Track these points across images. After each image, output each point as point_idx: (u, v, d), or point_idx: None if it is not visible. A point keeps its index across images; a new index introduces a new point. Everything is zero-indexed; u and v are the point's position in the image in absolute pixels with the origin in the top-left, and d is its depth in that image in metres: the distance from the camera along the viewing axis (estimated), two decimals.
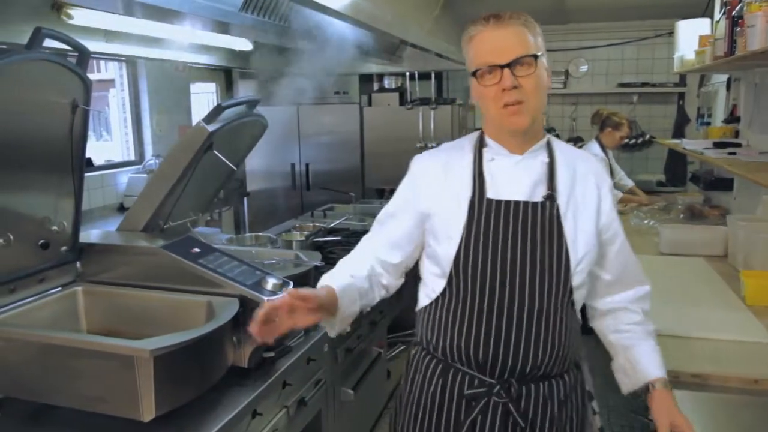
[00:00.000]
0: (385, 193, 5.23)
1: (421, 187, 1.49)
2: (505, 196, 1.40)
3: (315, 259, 2.09)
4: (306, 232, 3.17)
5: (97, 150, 5.18)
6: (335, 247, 3.21)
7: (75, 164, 1.71)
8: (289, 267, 2.11)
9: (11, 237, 1.54)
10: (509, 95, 1.33)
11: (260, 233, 3.05)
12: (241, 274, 1.70)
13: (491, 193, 1.40)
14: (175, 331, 1.63)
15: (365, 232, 3.78)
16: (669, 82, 6.23)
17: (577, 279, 1.39)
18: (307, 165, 5.67)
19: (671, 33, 6.17)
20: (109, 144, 5.34)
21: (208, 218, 5.62)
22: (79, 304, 1.78)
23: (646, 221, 3.66)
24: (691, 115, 6.13)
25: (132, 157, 5.10)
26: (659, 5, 5.26)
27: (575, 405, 1.48)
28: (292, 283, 1.76)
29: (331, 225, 3.40)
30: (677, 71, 3.90)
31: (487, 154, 1.44)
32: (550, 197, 1.39)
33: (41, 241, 1.66)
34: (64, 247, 1.75)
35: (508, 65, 1.31)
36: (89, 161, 4.56)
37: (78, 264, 1.82)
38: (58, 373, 1.44)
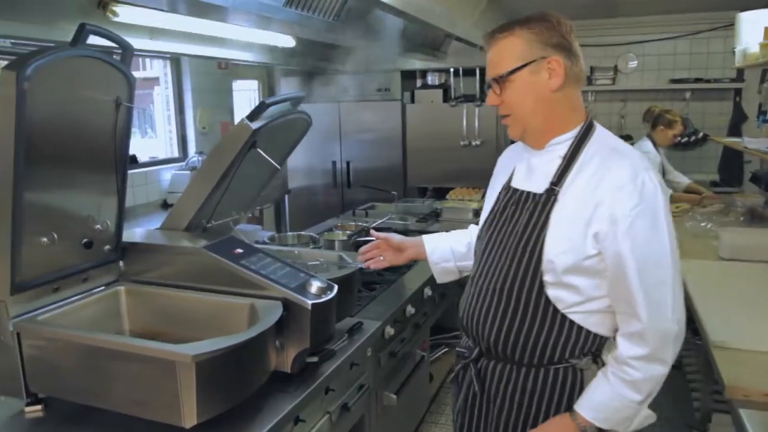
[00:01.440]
0: (427, 192, 5.14)
1: (494, 175, 1.71)
2: (521, 186, 1.52)
3: (359, 261, 2.03)
4: (348, 232, 3.12)
5: (142, 147, 5.24)
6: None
7: (118, 162, 1.68)
8: (332, 269, 2.06)
9: (55, 236, 1.52)
10: (499, 110, 1.50)
11: (302, 232, 3.01)
12: (284, 276, 1.65)
13: (515, 182, 1.55)
14: (217, 333, 1.59)
15: (407, 231, 3.73)
16: (725, 77, 5.97)
17: (550, 276, 1.40)
18: (348, 162, 5.64)
19: (728, 26, 5.94)
20: (153, 141, 5.40)
21: (249, 215, 5.68)
22: (122, 304, 1.76)
23: (703, 224, 3.48)
24: (749, 112, 5.88)
25: (175, 154, 5.15)
26: None
27: (559, 404, 1.46)
28: (336, 287, 1.70)
29: (373, 224, 3.33)
30: (739, 66, 3.71)
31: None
32: (549, 191, 1.43)
33: (84, 240, 1.64)
34: (108, 246, 1.73)
35: (490, 84, 1.48)
36: (134, 158, 4.61)
37: (121, 263, 1.80)
38: (99, 375, 1.41)
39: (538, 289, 1.41)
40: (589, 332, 1.42)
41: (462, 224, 4.05)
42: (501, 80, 1.43)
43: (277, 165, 1.89)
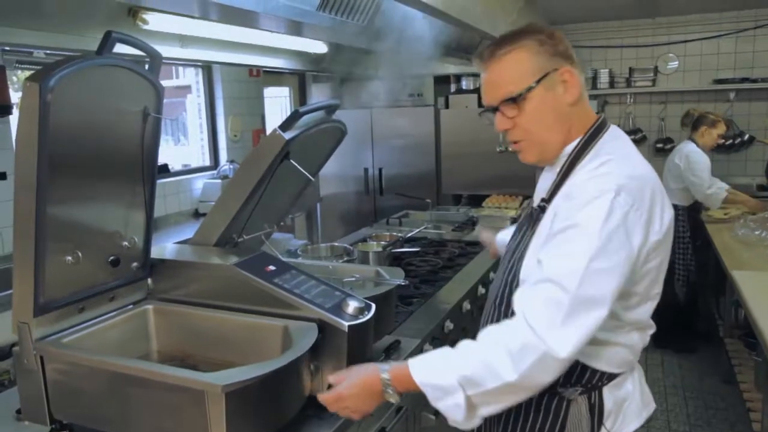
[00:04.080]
0: (462, 199, 5.02)
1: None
2: (535, 202, 1.43)
3: (398, 277, 1.92)
4: (383, 242, 3.01)
5: (175, 155, 5.23)
6: (413, 258, 3.04)
7: (146, 175, 1.61)
8: (369, 286, 1.96)
9: (80, 254, 1.45)
10: (508, 135, 1.35)
11: (335, 243, 2.92)
12: (319, 296, 1.56)
13: (535, 199, 1.46)
14: (249, 356, 1.51)
15: (443, 241, 3.60)
16: None
17: None
18: (380, 169, 5.56)
19: None
20: (186, 148, 5.39)
21: (282, 224, 5.62)
22: (150, 324, 1.68)
23: (756, 232, 3.29)
24: None
25: (207, 163, 5.13)
26: None
27: (542, 427, 1.37)
28: (374, 306, 1.59)
29: (409, 234, 3.23)
30: None
31: None
32: (540, 207, 1.36)
33: (111, 257, 1.57)
34: (135, 264, 1.65)
35: (497, 108, 1.31)
36: (165, 167, 4.59)
37: (149, 281, 1.72)
38: (125, 403, 1.33)
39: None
40: (576, 362, 1.28)
41: None
42: (518, 100, 1.28)
43: (310, 177, 1.80)
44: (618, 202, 1.16)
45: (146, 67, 1.54)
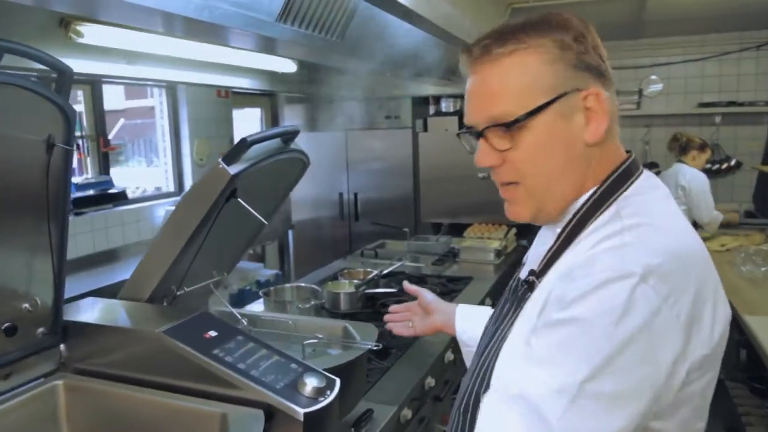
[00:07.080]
0: (441, 228, 4.74)
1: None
2: (523, 272, 1.05)
3: (369, 338, 1.61)
4: (355, 281, 2.71)
5: (146, 177, 4.88)
6: (389, 299, 2.74)
7: (53, 217, 1.29)
8: (334, 345, 1.65)
9: None
10: (495, 175, 0.96)
11: (302, 284, 2.62)
12: (270, 371, 1.24)
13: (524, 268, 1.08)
14: None
15: (422, 276, 3.29)
16: (759, 100, 5.58)
17: None
18: (355, 194, 5.30)
19: (760, 46, 5.57)
20: (159, 170, 5.03)
21: (251, 251, 5.30)
22: (60, 405, 1.35)
23: (763, 268, 3.03)
24: None
25: (171, 189, 4.80)
26: (752, 13, 4.66)
27: None
28: (338, 382, 1.28)
29: (385, 271, 2.92)
30: None
31: None
32: (529, 283, 0.96)
33: (5, 324, 1.24)
34: (41, 329, 1.33)
35: (482, 133, 0.93)
36: (123, 194, 4.26)
37: (62, 347, 1.40)
38: None
39: None
40: None
41: (483, 265, 3.68)
42: (513, 127, 0.89)
43: (263, 220, 1.49)
44: (644, 293, 0.77)
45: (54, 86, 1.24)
